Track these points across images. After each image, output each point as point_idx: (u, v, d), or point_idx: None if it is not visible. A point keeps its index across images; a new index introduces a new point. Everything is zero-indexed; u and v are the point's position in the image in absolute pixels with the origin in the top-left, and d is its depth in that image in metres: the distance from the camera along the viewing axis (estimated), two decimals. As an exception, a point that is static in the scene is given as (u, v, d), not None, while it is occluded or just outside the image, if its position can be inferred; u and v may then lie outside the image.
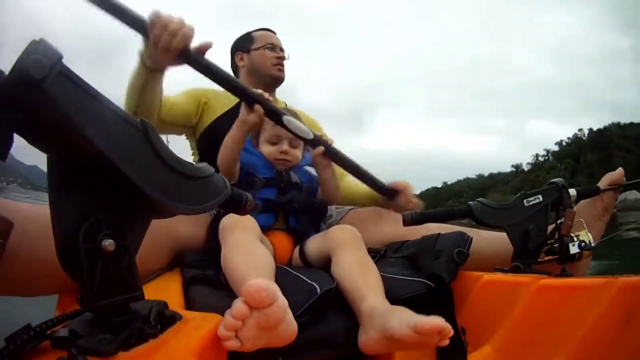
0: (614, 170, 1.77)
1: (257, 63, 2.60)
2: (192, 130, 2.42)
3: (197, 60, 1.67)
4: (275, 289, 0.84)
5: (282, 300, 0.86)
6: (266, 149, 1.84)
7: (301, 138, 1.80)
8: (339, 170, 1.95)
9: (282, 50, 2.66)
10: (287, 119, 1.73)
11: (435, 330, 0.96)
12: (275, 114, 1.74)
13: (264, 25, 2.56)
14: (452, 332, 0.97)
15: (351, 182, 2.22)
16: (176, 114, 2.25)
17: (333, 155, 1.84)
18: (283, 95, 2.73)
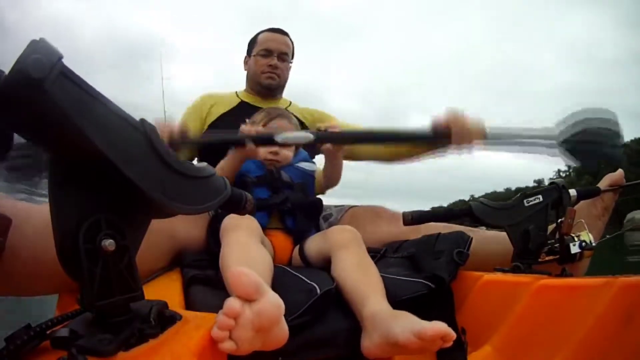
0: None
1: (251, 70, 2.60)
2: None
3: (192, 141, 1.81)
4: (261, 280, 0.83)
5: (275, 297, 0.85)
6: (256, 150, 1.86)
7: (303, 145, 1.82)
8: None
9: (282, 54, 2.58)
10: (280, 138, 1.73)
11: (438, 336, 0.96)
12: (268, 141, 1.75)
13: (283, 27, 2.49)
14: (454, 337, 0.97)
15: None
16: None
17: (351, 142, 1.89)
18: (306, 100, 2.70)
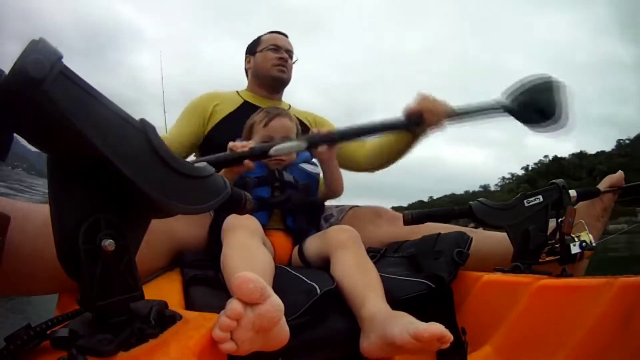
0: None
1: (260, 64, 2.60)
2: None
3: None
4: (265, 285, 0.84)
5: (277, 300, 0.86)
6: None
7: (295, 152, 1.83)
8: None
9: (288, 51, 2.63)
10: (274, 150, 1.73)
11: (434, 338, 0.96)
12: (262, 154, 1.75)
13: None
14: (451, 338, 0.97)
15: (372, 142, 2.27)
16: (189, 144, 2.35)
17: (339, 140, 1.87)
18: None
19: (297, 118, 2.14)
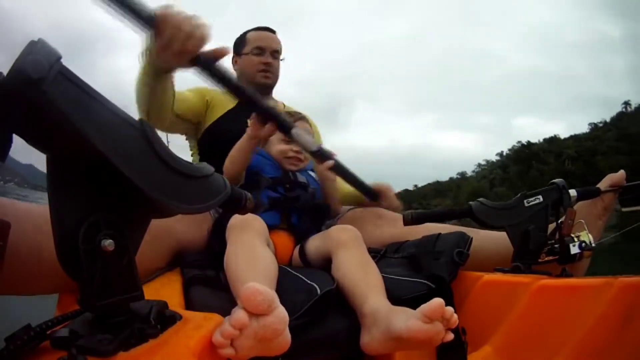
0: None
1: (244, 69, 2.58)
2: (196, 128, 2.41)
3: (211, 66, 1.56)
4: (273, 296, 0.84)
5: (283, 312, 0.86)
6: (279, 147, 1.87)
7: (305, 149, 1.82)
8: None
9: (274, 52, 2.60)
10: (295, 132, 1.73)
11: (438, 308, 0.96)
12: (284, 128, 1.73)
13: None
14: (454, 314, 0.97)
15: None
16: (187, 110, 2.27)
17: (337, 170, 1.88)
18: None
19: None
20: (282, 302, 0.87)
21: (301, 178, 1.87)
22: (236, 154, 1.75)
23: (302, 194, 1.82)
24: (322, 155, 1.82)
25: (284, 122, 1.72)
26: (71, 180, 0.63)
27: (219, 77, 1.57)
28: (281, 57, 2.65)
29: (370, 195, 2.05)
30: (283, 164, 1.85)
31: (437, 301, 0.97)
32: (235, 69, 2.65)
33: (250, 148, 1.75)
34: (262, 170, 1.81)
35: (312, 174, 1.96)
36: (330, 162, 1.82)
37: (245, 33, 2.64)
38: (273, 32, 2.65)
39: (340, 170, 1.90)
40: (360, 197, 2.12)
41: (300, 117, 1.95)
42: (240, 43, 2.63)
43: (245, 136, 1.75)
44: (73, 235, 0.62)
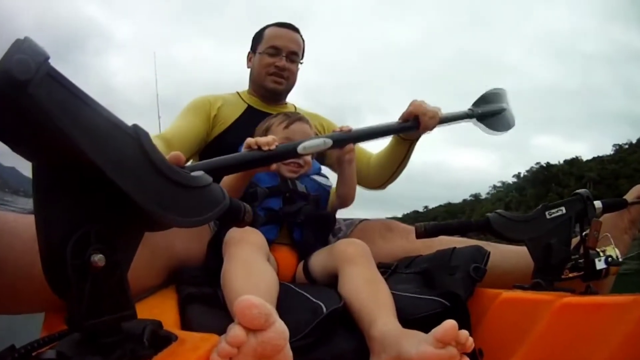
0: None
1: (255, 70, 2.49)
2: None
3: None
4: (271, 311, 0.83)
5: (282, 327, 0.85)
6: None
7: (324, 151, 1.82)
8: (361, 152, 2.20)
9: (291, 53, 2.44)
10: (301, 147, 1.70)
11: (453, 332, 0.95)
12: (290, 154, 1.71)
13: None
14: (469, 337, 0.96)
15: (375, 159, 2.37)
16: (190, 143, 2.22)
17: (357, 140, 1.91)
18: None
19: None
20: (286, 322, 0.86)
21: (301, 187, 1.85)
22: (234, 183, 1.70)
23: (304, 206, 1.79)
24: (339, 143, 1.81)
25: (286, 152, 1.69)
26: (59, 190, 0.62)
27: (213, 169, 1.57)
28: (301, 61, 2.53)
29: (409, 128, 2.07)
30: (281, 171, 1.82)
31: (450, 324, 0.96)
32: (248, 67, 2.57)
33: (245, 181, 1.72)
34: (257, 180, 1.78)
35: (317, 177, 1.94)
36: (350, 146, 1.81)
37: (264, 28, 2.51)
38: (295, 30, 2.49)
39: (364, 137, 1.94)
40: (396, 145, 2.20)
41: (296, 119, 1.91)
42: (257, 38, 2.51)
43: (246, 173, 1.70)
44: (60, 249, 0.62)
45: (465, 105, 2.33)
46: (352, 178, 1.89)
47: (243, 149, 1.64)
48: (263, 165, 1.63)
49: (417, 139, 2.18)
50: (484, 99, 2.47)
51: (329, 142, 1.76)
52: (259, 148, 1.59)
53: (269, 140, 1.59)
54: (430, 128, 2.07)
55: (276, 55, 2.41)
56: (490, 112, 2.40)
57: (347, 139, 1.82)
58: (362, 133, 1.90)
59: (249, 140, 1.62)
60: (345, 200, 1.94)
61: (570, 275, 1.41)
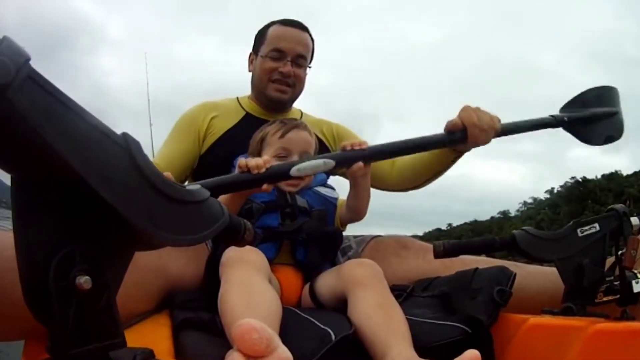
0: None
1: (256, 75, 2.40)
2: None
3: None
4: (273, 336, 0.83)
5: (285, 353, 0.85)
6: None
7: (326, 172, 1.80)
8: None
9: (298, 57, 2.32)
10: (296, 170, 1.65)
11: None
12: (282, 175, 1.67)
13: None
14: None
15: (403, 159, 2.20)
16: (182, 166, 2.22)
17: (371, 159, 1.79)
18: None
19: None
20: (291, 350, 0.86)
21: (301, 201, 1.83)
22: (226, 204, 1.67)
23: (305, 222, 1.77)
24: (344, 162, 1.74)
25: (278, 174, 1.65)
26: (41, 205, 0.62)
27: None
28: (309, 65, 2.43)
29: (450, 142, 1.89)
30: (279, 185, 1.81)
31: (472, 354, 0.96)
32: (250, 71, 2.48)
33: (240, 202, 1.71)
34: (253, 195, 1.75)
35: (321, 189, 1.94)
36: (359, 164, 1.70)
37: (267, 26, 2.40)
38: (303, 28, 2.38)
39: (383, 154, 1.83)
40: (434, 156, 2.04)
41: (293, 126, 1.88)
42: (259, 38, 2.41)
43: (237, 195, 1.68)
44: (42, 270, 0.61)
45: (496, 112, 2.10)
46: (363, 195, 1.86)
47: (236, 170, 1.63)
48: (253, 188, 1.62)
49: (466, 151, 1.98)
50: (581, 101, 2.16)
51: (330, 163, 1.69)
52: (249, 170, 1.57)
53: (258, 163, 1.56)
54: (482, 143, 1.87)
55: (280, 60, 2.30)
56: (587, 118, 2.10)
57: (353, 158, 1.73)
58: (380, 150, 1.80)
59: (240, 161, 1.61)
60: (357, 214, 1.91)
61: (605, 299, 1.40)
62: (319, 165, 1.69)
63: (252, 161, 1.57)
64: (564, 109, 2.16)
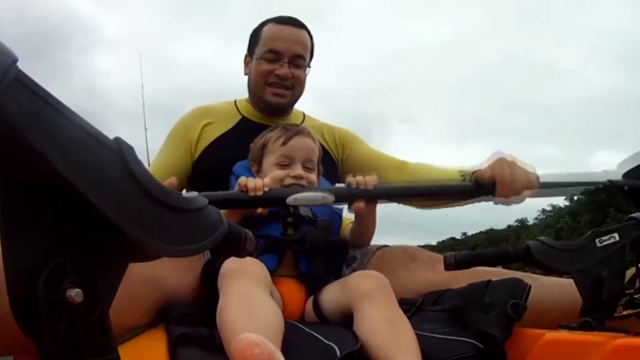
0: None
1: (252, 79, 2.37)
2: None
3: None
4: (274, 351, 0.82)
5: None
6: (273, 173, 1.82)
7: (324, 172, 1.80)
8: None
9: (296, 57, 2.29)
10: (292, 198, 1.67)
11: None
12: (278, 203, 1.70)
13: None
14: None
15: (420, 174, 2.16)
16: (178, 174, 2.15)
17: (379, 198, 1.79)
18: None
19: None
20: None
21: (305, 210, 1.81)
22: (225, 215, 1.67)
23: (309, 231, 1.76)
24: (345, 199, 1.75)
25: (274, 200, 1.68)
26: (29, 214, 0.62)
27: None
28: (309, 65, 2.39)
29: (474, 193, 1.89)
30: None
31: None
32: (245, 74, 2.44)
33: (236, 219, 1.69)
34: None
35: None
36: (359, 205, 1.71)
37: (261, 25, 2.37)
38: (300, 26, 2.35)
39: (391, 196, 1.85)
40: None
41: (296, 132, 1.87)
42: (254, 38, 2.39)
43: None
44: (31, 282, 0.61)
45: (512, 118, 1.97)
46: (367, 229, 1.88)
47: (236, 187, 1.66)
48: (249, 209, 1.64)
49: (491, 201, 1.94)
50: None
51: (330, 198, 1.71)
52: (248, 191, 1.60)
53: (257, 185, 1.60)
54: (513, 202, 1.86)
55: (276, 61, 2.27)
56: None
57: (356, 196, 1.73)
58: (389, 191, 1.82)
59: (241, 179, 1.65)
60: (360, 243, 1.93)
61: (625, 312, 1.40)
62: (317, 198, 1.71)
63: (251, 182, 1.61)
64: (627, 175, 2.03)
